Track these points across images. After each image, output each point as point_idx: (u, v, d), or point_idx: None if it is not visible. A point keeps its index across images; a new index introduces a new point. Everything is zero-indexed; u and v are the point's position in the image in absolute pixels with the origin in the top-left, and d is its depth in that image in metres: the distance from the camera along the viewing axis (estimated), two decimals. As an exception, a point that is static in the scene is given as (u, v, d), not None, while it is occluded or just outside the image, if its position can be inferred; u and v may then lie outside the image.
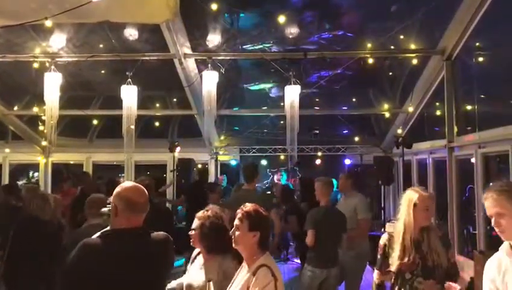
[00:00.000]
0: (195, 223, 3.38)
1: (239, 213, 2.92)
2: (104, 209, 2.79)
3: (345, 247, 5.35)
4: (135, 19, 7.45)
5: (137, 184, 2.69)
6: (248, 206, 2.96)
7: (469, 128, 8.73)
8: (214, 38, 9.10)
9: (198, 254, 3.45)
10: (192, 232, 3.36)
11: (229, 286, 2.95)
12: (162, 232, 2.72)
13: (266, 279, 2.71)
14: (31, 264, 4.10)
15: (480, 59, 8.59)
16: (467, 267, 8.16)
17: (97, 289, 2.40)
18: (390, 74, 10.96)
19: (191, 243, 3.41)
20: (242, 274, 2.91)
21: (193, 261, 3.45)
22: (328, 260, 5.11)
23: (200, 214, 3.43)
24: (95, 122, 12.39)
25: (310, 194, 7.76)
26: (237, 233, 2.88)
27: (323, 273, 5.07)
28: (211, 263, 3.26)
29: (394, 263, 3.33)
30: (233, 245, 2.92)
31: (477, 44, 8.42)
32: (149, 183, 5.55)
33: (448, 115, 8.95)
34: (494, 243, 8.03)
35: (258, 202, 3.10)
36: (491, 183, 2.38)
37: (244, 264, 2.93)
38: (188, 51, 9.04)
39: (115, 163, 13.17)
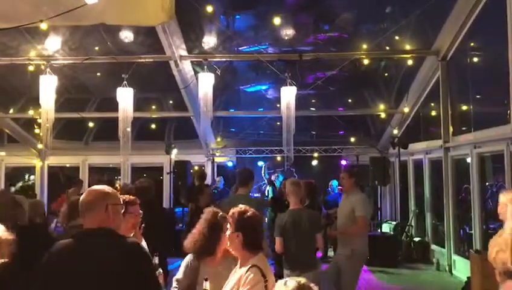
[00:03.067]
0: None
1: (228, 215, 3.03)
2: None
3: (320, 247, 5.25)
4: (130, 22, 7.44)
5: (92, 187, 2.67)
6: (235, 208, 3.02)
7: (464, 128, 8.76)
8: (209, 40, 9.11)
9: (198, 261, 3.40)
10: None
11: (224, 286, 2.97)
12: (131, 238, 2.68)
13: (255, 279, 2.75)
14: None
15: (475, 59, 8.64)
16: (463, 267, 8.21)
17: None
18: (386, 74, 11.00)
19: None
20: (235, 275, 2.93)
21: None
22: (301, 264, 4.99)
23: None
24: (90, 124, 12.37)
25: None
26: (227, 234, 2.99)
27: (298, 275, 5.01)
28: (224, 266, 3.26)
29: None
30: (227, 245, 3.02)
31: (472, 44, 8.46)
32: (148, 186, 5.52)
33: (443, 115, 8.98)
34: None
35: (251, 207, 3.10)
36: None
37: (238, 265, 2.98)
38: (184, 53, 9.04)
39: (111, 165, 13.14)
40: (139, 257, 2.49)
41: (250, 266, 2.82)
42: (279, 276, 6.76)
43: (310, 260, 5.09)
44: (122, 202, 2.69)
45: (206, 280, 3.04)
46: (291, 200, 5.20)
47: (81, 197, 2.60)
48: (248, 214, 2.98)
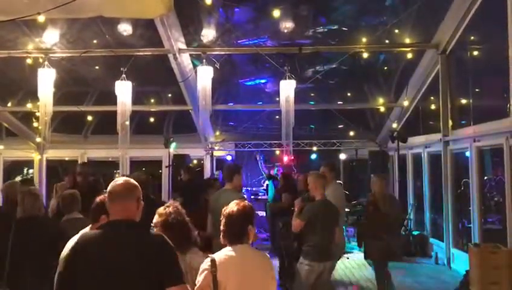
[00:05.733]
0: (156, 219, 3.35)
1: None
2: None
3: (336, 240, 5.36)
4: (129, 14, 7.41)
5: (123, 178, 2.68)
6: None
7: (464, 122, 8.75)
8: (208, 33, 9.05)
9: None
10: (153, 230, 3.27)
11: None
12: (156, 233, 2.69)
13: (202, 267, 2.93)
14: (34, 264, 4.08)
15: (475, 53, 8.61)
16: (461, 260, 8.22)
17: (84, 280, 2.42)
18: (385, 68, 10.96)
19: None
20: None
21: None
22: (324, 253, 5.15)
23: (161, 210, 3.39)
24: (89, 118, 12.33)
25: (291, 186, 8.09)
26: None
27: (320, 267, 5.11)
28: (184, 258, 3.24)
29: None
30: None
31: (472, 38, 8.43)
32: (145, 179, 5.49)
33: (443, 109, 8.97)
34: (488, 236, 8.08)
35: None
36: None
37: None
38: (183, 46, 9.00)
39: (110, 159, 13.12)
40: (164, 249, 2.51)
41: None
42: (284, 267, 6.86)
43: (330, 251, 5.24)
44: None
45: None
46: (319, 192, 5.32)
47: (113, 187, 2.58)
48: (228, 209, 3.13)
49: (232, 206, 3.11)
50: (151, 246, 2.49)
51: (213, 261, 2.90)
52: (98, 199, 3.49)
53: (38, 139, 11.92)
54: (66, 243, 3.28)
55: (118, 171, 12.55)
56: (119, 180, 2.64)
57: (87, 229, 3.37)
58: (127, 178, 2.69)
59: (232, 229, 3.05)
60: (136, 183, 2.66)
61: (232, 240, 3.04)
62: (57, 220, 4.83)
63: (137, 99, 10.09)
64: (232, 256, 2.96)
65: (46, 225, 4.42)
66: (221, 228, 3.07)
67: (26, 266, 4.10)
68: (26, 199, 4.32)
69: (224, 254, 2.98)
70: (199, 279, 2.89)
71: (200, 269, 2.92)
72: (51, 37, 8.87)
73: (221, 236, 3.08)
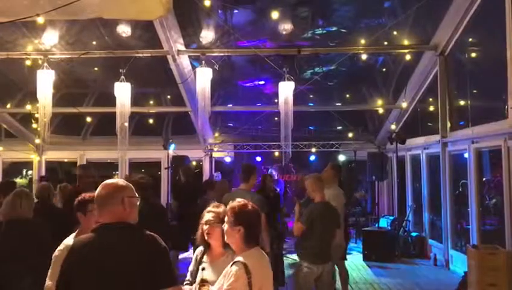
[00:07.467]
0: (208, 217, 3.27)
1: (227, 209, 3.04)
2: None
3: (337, 242, 5.37)
4: (128, 16, 7.42)
5: (106, 181, 2.64)
6: (235, 202, 3.05)
7: (462, 123, 8.77)
8: (207, 35, 9.07)
9: (203, 253, 3.33)
10: (207, 227, 3.25)
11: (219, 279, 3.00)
12: (149, 233, 2.67)
13: (237, 275, 2.78)
14: (20, 265, 4.04)
15: (473, 54, 8.64)
16: (460, 262, 8.23)
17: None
18: (384, 69, 10.98)
19: (206, 238, 3.27)
20: (226, 269, 2.94)
21: (200, 261, 3.31)
22: (323, 256, 5.15)
23: (213, 208, 3.35)
24: (88, 119, 12.34)
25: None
26: (225, 228, 2.99)
27: (319, 270, 5.11)
28: (224, 259, 3.19)
29: None
30: (225, 239, 3.02)
31: (470, 39, 8.46)
32: (144, 182, 5.45)
33: (441, 110, 8.99)
34: (487, 238, 8.08)
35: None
36: None
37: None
38: (182, 47, 9.01)
39: (109, 161, 13.12)
40: (158, 250, 2.48)
41: (234, 261, 2.86)
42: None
43: (329, 252, 5.24)
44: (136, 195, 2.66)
45: (203, 269, 3.05)
46: (318, 195, 5.31)
47: (96, 192, 2.57)
48: (249, 208, 3.00)
49: (253, 208, 3.02)
50: (145, 247, 2.47)
51: (246, 266, 2.80)
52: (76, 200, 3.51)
53: (37, 141, 11.94)
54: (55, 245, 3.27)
55: (117, 172, 12.55)
56: (103, 184, 2.60)
57: (73, 235, 3.38)
58: (112, 181, 2.64)
59: (255, 232, 2.98)
60: (122, 184, 2.61)
61: (255, 242, 2.96)
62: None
63: (136, 100, 10.08)
64: (258, 259, 2.90)
65: (39, 227, 4.35)
66: (242, 230, 2.93)
67: (15, 270, 4.05)
68: (24, 201, 4.27)
69: (251, 257, 2.88)
70: (233, 285, 2.78)
71: (234, 274, 2.80)
72: (50, 38, 8.89)
73: (244, 239, 2.95)
